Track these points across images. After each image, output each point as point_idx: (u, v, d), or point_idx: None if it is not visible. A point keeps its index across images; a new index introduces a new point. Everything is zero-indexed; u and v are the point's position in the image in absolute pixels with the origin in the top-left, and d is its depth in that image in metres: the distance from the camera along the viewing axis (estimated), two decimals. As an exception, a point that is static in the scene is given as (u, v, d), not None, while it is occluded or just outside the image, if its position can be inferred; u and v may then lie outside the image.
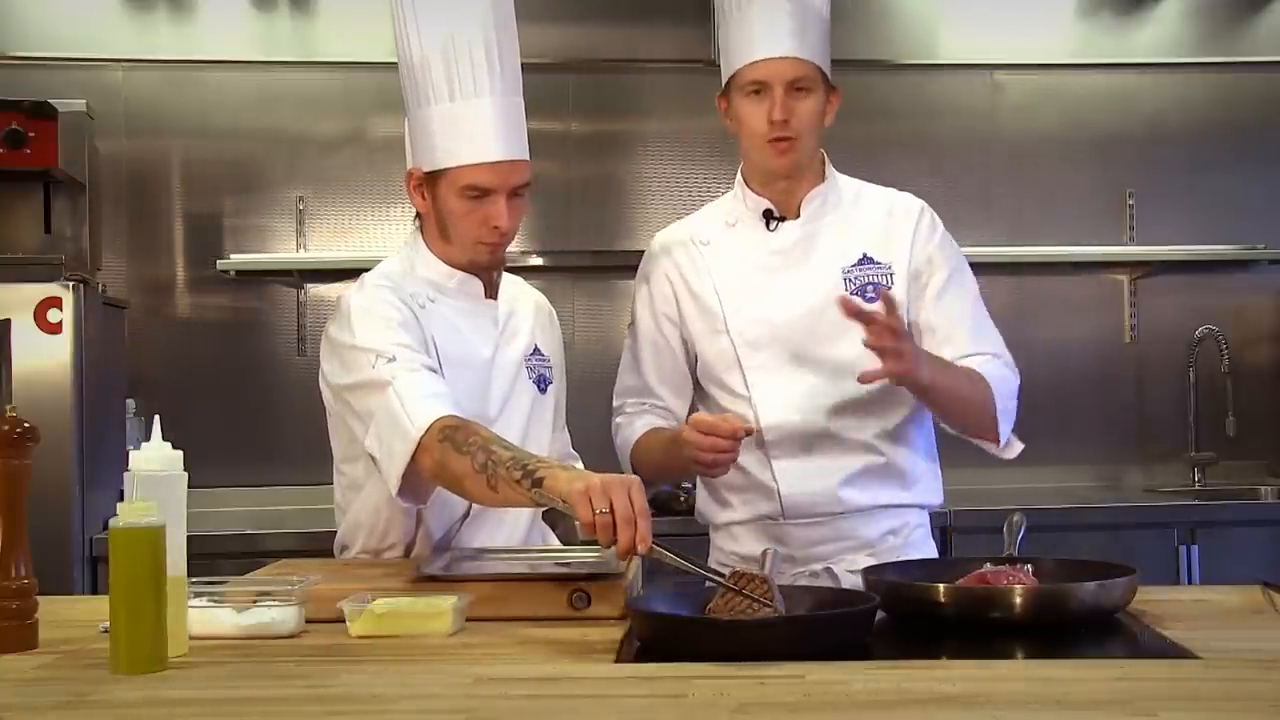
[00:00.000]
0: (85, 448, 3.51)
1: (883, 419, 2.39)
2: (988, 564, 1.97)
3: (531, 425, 2.40)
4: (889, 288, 2.38)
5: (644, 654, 1.72)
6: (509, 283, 2.48)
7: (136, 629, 1.64)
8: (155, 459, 1.76)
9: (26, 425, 1.79)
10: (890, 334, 2.11)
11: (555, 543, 2.47)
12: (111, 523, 1.67)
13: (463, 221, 2.29)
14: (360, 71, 4.26)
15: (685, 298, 2.46)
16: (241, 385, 4.28)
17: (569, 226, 4.38)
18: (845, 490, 2.37)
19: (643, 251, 2.58)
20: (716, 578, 1.82)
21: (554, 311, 2.59)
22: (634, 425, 2.47)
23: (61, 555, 3.42)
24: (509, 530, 2.37)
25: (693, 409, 2.49)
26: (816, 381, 2.36)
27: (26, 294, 3.46)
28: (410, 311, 2.26)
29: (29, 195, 3.84)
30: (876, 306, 2.15)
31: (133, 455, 1.76)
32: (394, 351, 2.17)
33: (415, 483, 2.13)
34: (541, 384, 2.45)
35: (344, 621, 1.84)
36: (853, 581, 2.19)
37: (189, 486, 1.78)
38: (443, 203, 2.29)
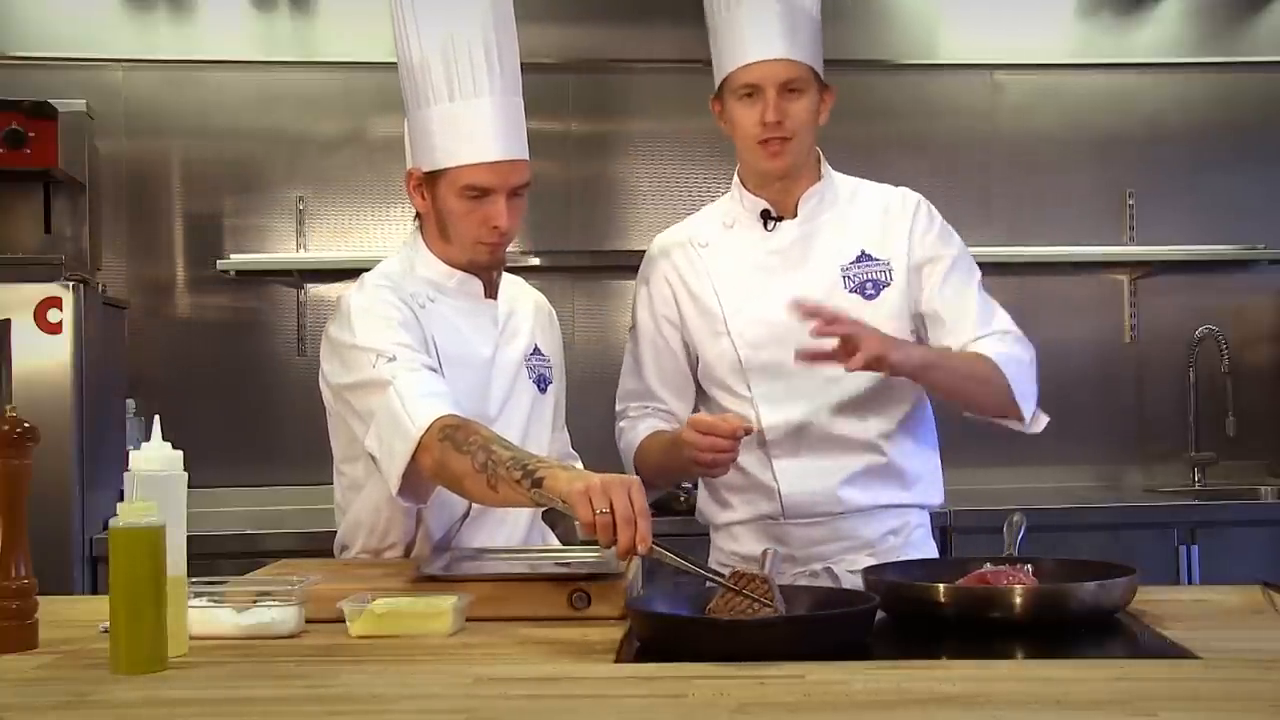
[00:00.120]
0: (85, 448, 3.51)
1: (884, 418, 2.39)
2: (988, 564, 1.97)
3: (531, 425, 2.40)
4: (888, 284, 2.39)
5: (644, 654, 1.72)
6: (509, 283, 2.48)
7: (136, 629, 1.64)
8: (155, 459, 1.76)
9: (26, 425, 1.79)
10: (837, 324, 2.15)
11: (555, 543, 2.47)
12: (111, 523, 1.67)
13: (462, 221, 2.29)
14: (360, 71, 4.26)
15: (685, 300, 2.46)
16: (241, 385, 4.28)
17: (568, 226, 4.38)
18: (845, 490, 2.37)
19: (642, 252, 2.58)
20: (716, 578, 1.82)
21: (554, 311, 2.59)
22: (637, 429, 2.47)
23: (61, 555, 3.42)
24: (509, 530, 2.37)
25: (695, 411, 2.49)
26: (817, 381, 2.35)
27: (26, 294, 3.46)
28: (410, 311, 2.26)
29: (29, 195, 3.84)
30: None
31: (133, 455, 1.76)
32: (394, 351, 2.17)
33: (415, 482, 2.13)
34: (541, 384, 2.45)
35: (344, 621, 1.84)
36: (853, 581, 2.19)
37: (189, 486, 1.78)
38: (442, 203, 2.29)
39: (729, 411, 2.38)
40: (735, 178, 2.48)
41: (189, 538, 1.77)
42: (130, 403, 3.93)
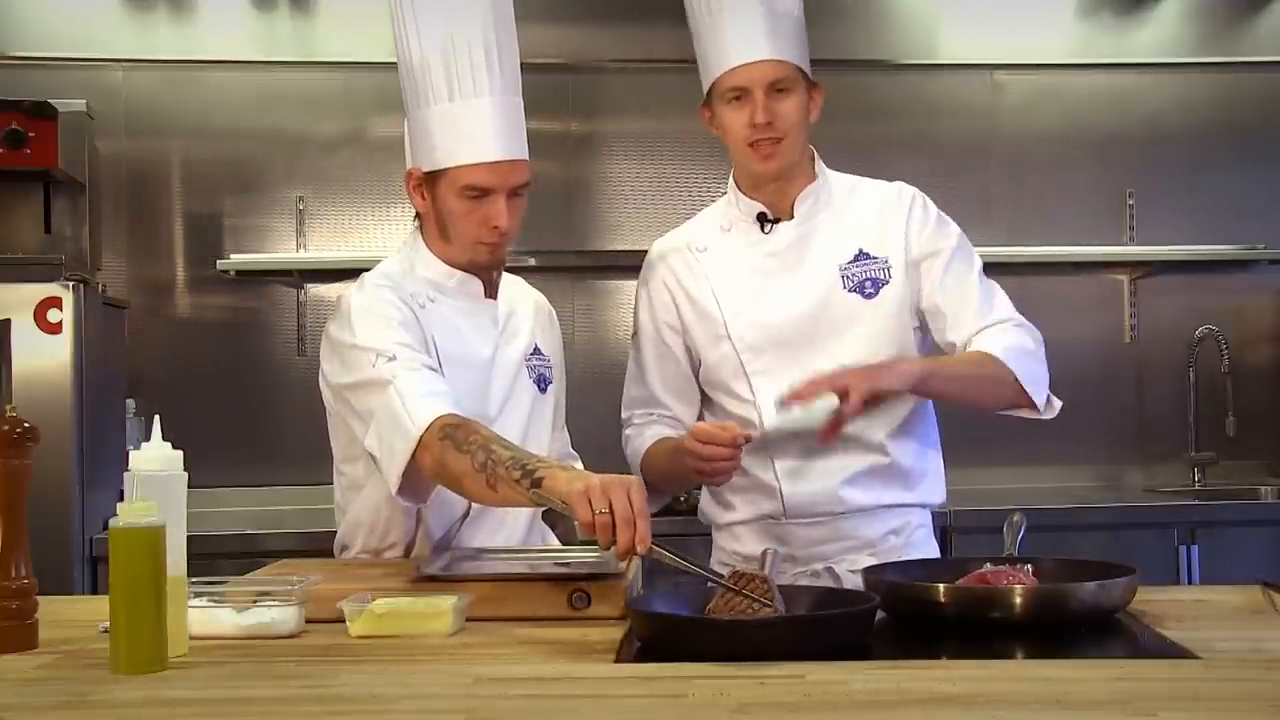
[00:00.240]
0: (85, 448, 3.51)
1: (887, 418, 2.38)
2: (988, 564, 1.97)
3: (531, 425, 2.40)
4: (887, 282, 2.38)
5: (644, 654, 1.72)
6: (509, 282, 2.48)
7: (136, 629, 1.64)
8: (155, 459, 1.76)
9: (26, 425, 1.79)
10: (814, 386, 2.16)
11: (555, 543, 2.47)
12: (111, 523, 1.67)
13: (462, 221, 2.29)
14: (360, 71, 4.26)
15: (685, 305, 2.46)
16: (241, 385, 4.28)
17: (568, 226, 4.38)
18: (847, 490, 2.36)
19: (642, 252, 2.58)
20: (715, 578, 1.82)
21: (554, 311, 2.59)
22: (643, 436, 2.47)
23: (61, 555, 3.43)
24: (509, 530, 2.37)
25: (700, 415, 2.50)
26: (819, 381, 2.35)
27: (26, 294, 3.46)
28: (410, 311, 2.26)
29: (29, 195, 3.84)
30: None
31: (133, 455, 1.76)
32: (394, 350, 2.17)
33: (415, 481, 2.13)
34: (541, 384, 2.45)
35: (344, 621, 1.84)
36: (854, 581, 2.19)
37: (189, 486, 1.78)
38: (442, 203, 2.29)
39: (733, 415, 2.39)
40: (730, 181, 2.48)
41: (189, 538, 1.77)
42: (130, 403, 3.93)
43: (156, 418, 1.79)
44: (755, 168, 2.37)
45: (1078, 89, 4.51)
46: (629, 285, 2.63)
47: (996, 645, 1.75)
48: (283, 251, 4.30)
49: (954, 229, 2.44)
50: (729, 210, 2.47)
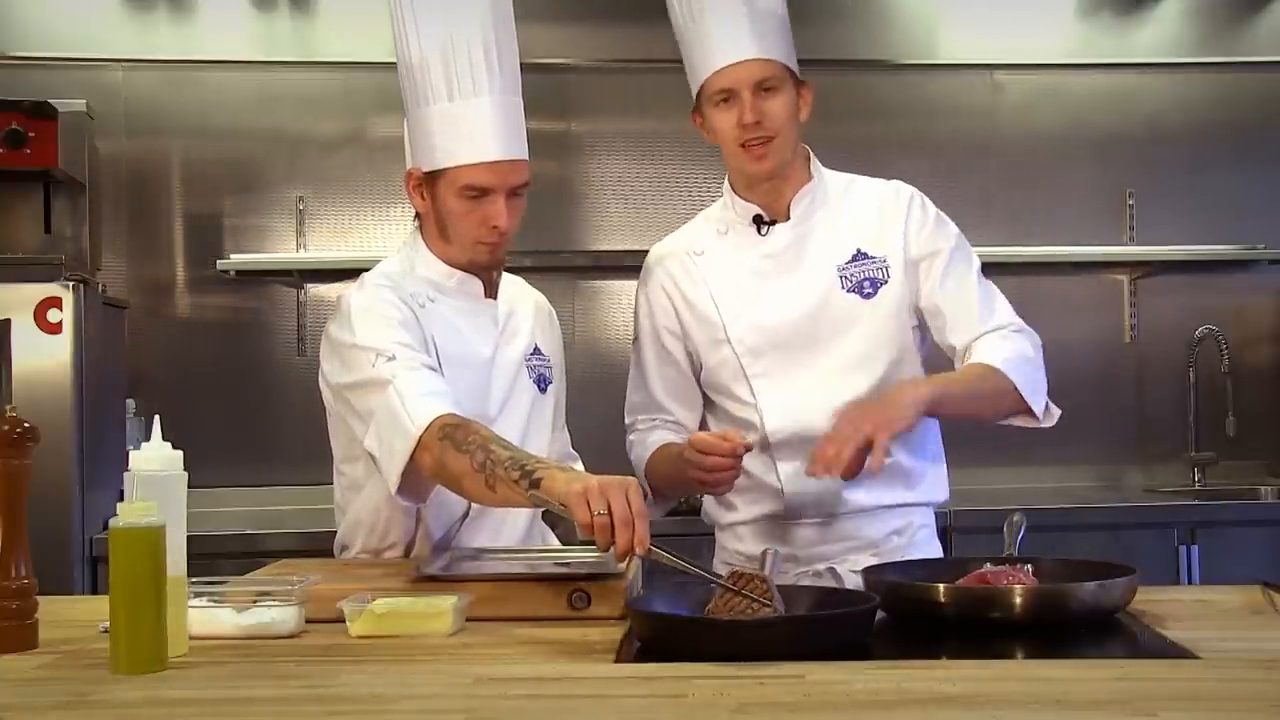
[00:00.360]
0: (85, 448, 3.51)
1: None
2: (988, 564, 1.97)
3: (531, 425, 2.40)
4: (885, 281, 2.38)
5: (644, 654, 1.72)
6: (509, 282, 2.48)
7: (136, 629, 1.64)
8: (155, 459, 1.76)
9: (26, 425, 1.79)
10: (831, 445, 2.11)
11: (555, 543, 2.47)
12: (111, 523, 1.67)
13: (462, 221, 2.29)
14: (360, 71, 4.26)
15: (684, 309, 2.46)
16: (241, 385, 4.28)
17: (568, 227, 4.38)
18: (849, 490, 2.36)
19: (642, 252, 2.58)
20: (714, 578, 1.82)
21: (554, 311, 2.59)
22: (645, 442, 2.47)
23: (61, 555, 3.43)
24: (509, 530, 2.38)
25: (703, 418, 2.49)
26: (820, 383, 2.35)
27: (26, 294, 3.47)
28: (410, 311, 2.26)
29: (29, 195, 3.84)
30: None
31: (133, 455, 1.76)
32: (394, 350, 2.17)
33: (415, 481, 2.13)
34: (541, 384, 2.45)
35: (344, 621, 1.84)
36: (856, 582, 2.18)
37: (189, 486, 1.78)
38: (442, 202, 2.29)
39: (736, 418, 2.39)
40: (725, 184, 2.47)
41: (189, 538, 1.77)
42: (130, 403, 3.93)
43: (156, 418, 1.79)
44: (748, 168, 2.37)
45: (1078, 89, 4.51)
46: (629, 285, 2.63)
47: (996, 645, 1.75)
48: (283, 251, 4.30)
49: (952, 228, 2.44)
50: (725, 213, 2.47)
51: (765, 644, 1.66)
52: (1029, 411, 2.33)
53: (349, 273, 3.95)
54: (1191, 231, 4.44)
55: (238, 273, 4.25)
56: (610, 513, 1.79)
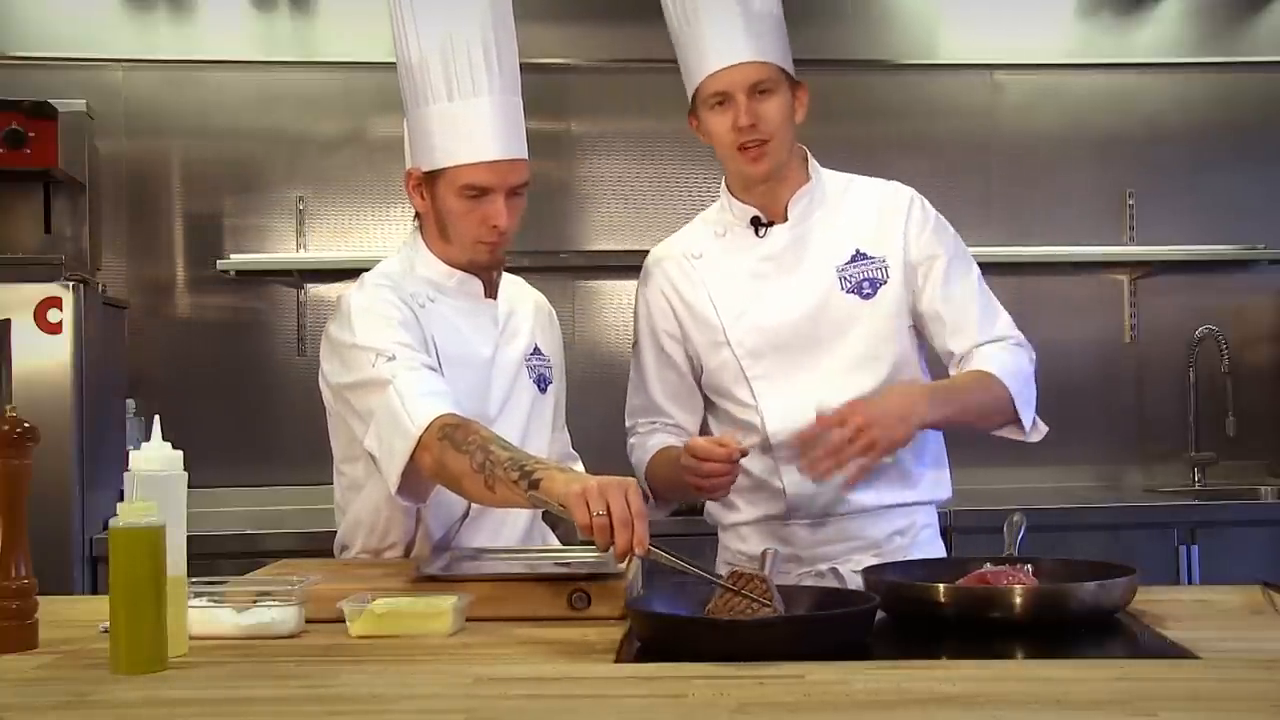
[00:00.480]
0: (85, 448, 3.51)
1: None
2: (988, 564, 1.97)
3: (531, 425, 2.40)
4: (885, 282, 2.38)
5: (644, 654, 1.71)
6: (509, 282, 2.48)
7: (136, 629, 1.64)
8: (155, 459, 1.76)
9: (26, 425, 1.79)
10: (842, 451, 2.12)
11: (555, 543, 2.47)
12: (111, 523, 1.67)
13: (462, 221, 2.29)
14: (360, 71, 4.26)
15: (683, 312, 2.45)
16: (241, 385, 4.29)
17: (568, 227, 4.38)
18: (851, 491, 2.36)
19: (642, 252, 2.58)
20: (714, 578, 1.82)
21: (554, 311, 2.59)
22: (646, 445, 2.47)
23: (61, 555, 3.43)
24: (509, 530, 2.37)
25: (704, 421, 2.49)
26: (821, 383, 2.34)
27: (26, 294, 3.47)
28: (410, 311, 2.26)
29: (29, 195, 3.84)
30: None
31: (133, 455, 1.76)
32: (394, 350, 2.17)
33: (414, 481, 2.13)
34: (541, 384, 2.45)
35: (344, 621, 1.84)
36: (858, 582, 2.18)
37: (189, 486, 1.78)
38: (442, 202, 2.29)
39: (736, 420, 2.39)
40: (723, 186, 2.47)
41: (189, 538, 1.77)
42: (130, 403, 3.93)
43: (156, 418, 1.79)
44: (745, 171, 2.36)
45: (1078, 89, 4.51)
46: (628, 285, 2.63)
47: (996, 645, 1.75)
48: (283, 251, 4.30)
49: (951, 232, 2.44)
50: (722, 215, 2.47)
51: (765, 644, 1.66)
52: (1018, 423, 2.34)
53: (349, 273, 3.95)
54: (1191, 231, 4.44)
55: (238, 273, 4.25)
56: (609, 513, 1.79)
